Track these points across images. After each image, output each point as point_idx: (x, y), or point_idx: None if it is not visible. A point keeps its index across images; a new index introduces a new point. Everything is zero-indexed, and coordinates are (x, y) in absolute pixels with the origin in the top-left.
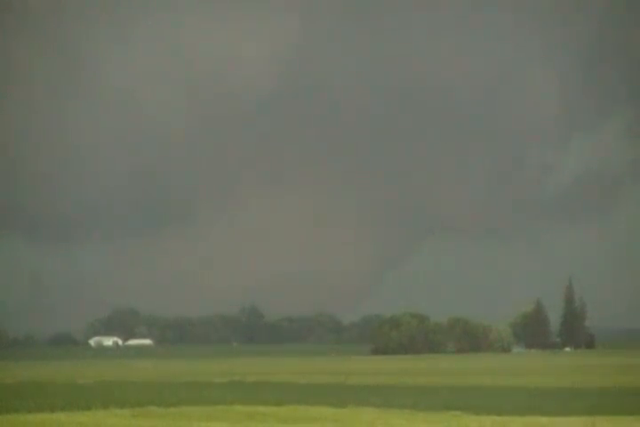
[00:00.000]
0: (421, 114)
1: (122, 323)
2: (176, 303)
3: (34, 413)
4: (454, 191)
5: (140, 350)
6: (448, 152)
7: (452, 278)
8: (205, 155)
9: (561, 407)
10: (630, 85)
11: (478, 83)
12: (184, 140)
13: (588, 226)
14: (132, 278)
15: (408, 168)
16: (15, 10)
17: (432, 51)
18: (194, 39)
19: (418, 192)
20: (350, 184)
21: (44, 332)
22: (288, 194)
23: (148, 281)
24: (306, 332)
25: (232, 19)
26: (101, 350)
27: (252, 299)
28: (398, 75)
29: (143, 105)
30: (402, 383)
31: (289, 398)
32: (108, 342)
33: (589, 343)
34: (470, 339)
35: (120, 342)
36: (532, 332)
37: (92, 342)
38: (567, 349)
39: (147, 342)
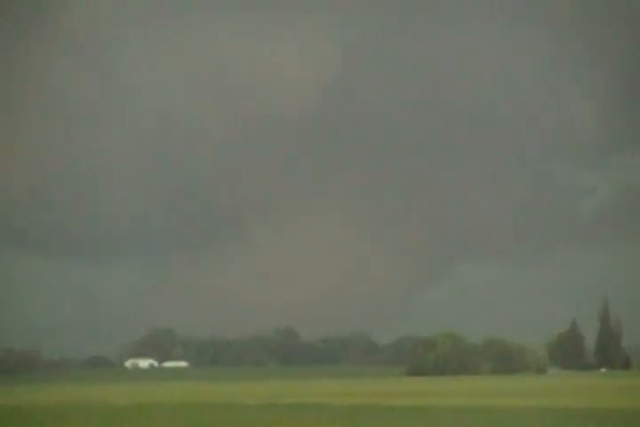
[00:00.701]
0: (453, 138)
1: (158, 344)
2: (212, 323)
3: None
4: (485, 215)
5: (175, 372)
6: (481, 178)
7: (488, 301)
8: (247, 172)
9: None
10: None
11: (520, 107)
12: (226, 155)
13: (623, 248)
14: (169, 298)
15: (437, 195)
16: (50, 24)
17: (468, 72)
18: (237, 58)
19: (447, 216)
20: (383, 211)
21: (79, 353)
22: (318, 223)
23: (186, 301)
24: (341, 353)
25: (276, 39)
26: (137, 372)
27: (288, 320)
28: (434, 99)
29: (188, 121)
30: (436, 405)
31: (324, 419)
32: (144, 364)
33: (625, 364)
34: (506, 360)
35: (156, 363)
36: (567, 352)
37: (128, 364)
38: (603, 369)
39: (182, 363)
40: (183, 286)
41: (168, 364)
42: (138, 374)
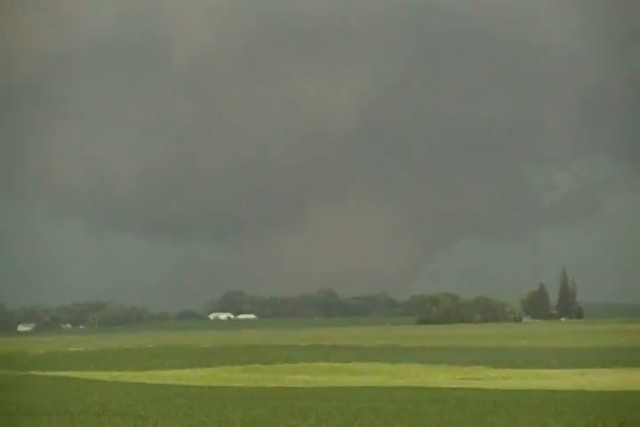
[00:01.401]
0: (455, 148)
1: (233, 301)
2: (273, 285)
3: (169, 369)
4: (476, 205)
5: (246, 323)
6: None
7: (478, 269)
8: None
9: (559, 362)
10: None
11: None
12: (294, 162)
13: (578, 229)
14: (241, 266)
15: (444, 193)
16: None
17: (491, 94)
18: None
19: (449, 209)
20: (402, 204)
21: (175, 309)
22: (359, 209)
23: (254, 269)
24: (369, 307)
25: (319, 62)
26: (218, 322)
27: (329, 282)
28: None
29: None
30: (439, 346)
31: (356, 357)
32: (223, 316)
33: (579, 315)
34: (491, 312)
35: (232, 316)
36: (536, 306)
37: (211, 316)
38: (563, 319)
39: (251, 316)
40: (252, 257)
41: (241, 316)
42: (218, 324)
